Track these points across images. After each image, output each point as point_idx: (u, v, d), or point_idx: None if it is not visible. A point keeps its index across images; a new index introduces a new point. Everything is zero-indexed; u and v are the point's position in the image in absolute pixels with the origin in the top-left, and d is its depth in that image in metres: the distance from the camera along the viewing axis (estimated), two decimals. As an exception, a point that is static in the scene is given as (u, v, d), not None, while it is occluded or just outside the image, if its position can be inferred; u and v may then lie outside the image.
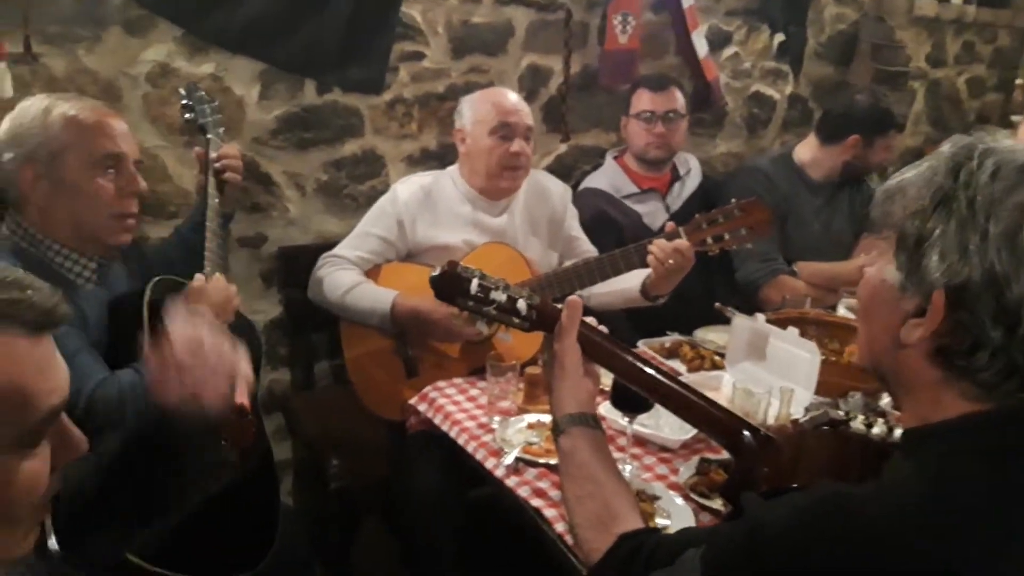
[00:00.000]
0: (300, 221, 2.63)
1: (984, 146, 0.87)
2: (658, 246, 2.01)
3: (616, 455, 1.30)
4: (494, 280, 1.29)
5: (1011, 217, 0.82)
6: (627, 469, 1.59)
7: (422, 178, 2.32)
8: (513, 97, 2.29)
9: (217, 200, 1.87)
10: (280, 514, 1.77)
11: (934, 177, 0.88)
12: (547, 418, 1.76)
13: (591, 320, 1.32)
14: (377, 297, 2.12)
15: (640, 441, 1.70)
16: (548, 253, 2.38)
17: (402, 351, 2.17)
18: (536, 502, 1.50)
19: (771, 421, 1.68)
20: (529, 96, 2.82)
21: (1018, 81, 4.19)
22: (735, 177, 2.89)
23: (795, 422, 1.66)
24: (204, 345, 1.07)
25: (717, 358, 2.10)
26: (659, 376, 1.28)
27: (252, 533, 1.72)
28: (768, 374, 1.87)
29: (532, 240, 2.34)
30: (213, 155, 1.90)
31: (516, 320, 1.29)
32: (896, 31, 3.63)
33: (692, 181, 2.83)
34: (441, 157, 2.76)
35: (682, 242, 2.00)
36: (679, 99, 2.69)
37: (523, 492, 1.54)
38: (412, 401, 1.98)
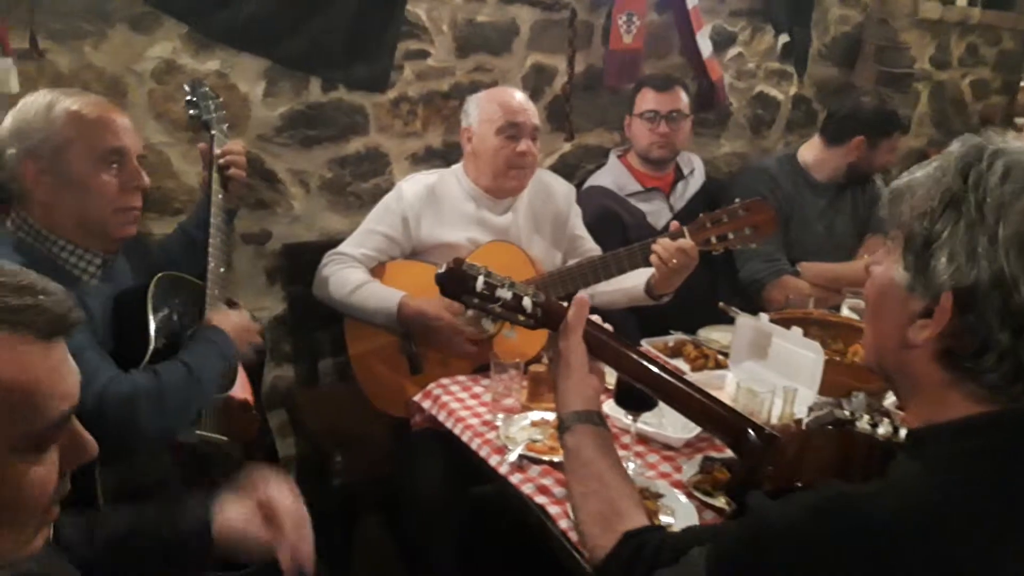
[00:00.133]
0: (304, 218, 2.64)
1: (994, 147, 0.87)
2: (662, 245, 2.01)
3: (620, 453, 1.30)
4: (500, 278, 1.29)
5: (1021, 220, 0.82)
6: (631, 467, 1.59)
7: (427, 176, 2.33)
8: (520, 96, 2.29)
9: (221, 196, 1.88)
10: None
11: (943, 178, 0.87)
12: (551, 416, 1.77)
13: (596, 318, 1.33)
14: (384, 297, 2.12)
15: (644, 439, 1.70)
16: (552, 252, 2.38)
17: (406, 348, 2.17)
18: (540, 499, 1.51)
19: (775, 420, 1.68)
20: (533, 95, 2.81)
21: (1022, 84, 4.18)
22: (739, 177, 2.90)
23: (799, 421, 1.66)
24: (306, 524, 1.20)
25: (721, 357, 2.11)
26: (664, 375, 1.28)
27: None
28: (771, 374, 1.88)
29: (536, 239, 2.34)
30: (217, 151, 1.90)
31: (521, 318, 1.29)
32: (900, 33, 3.63)
33: (696, 181, 2.83)
34: (445, 155, 2.77)
35: (686, 241, 2.00)
36: (683, 99, 2.69)
37: (527, 489, 1.54)
38: (416, 398, 1.99)
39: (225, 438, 1.68)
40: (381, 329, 2.18)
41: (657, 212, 2.71)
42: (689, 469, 1.59)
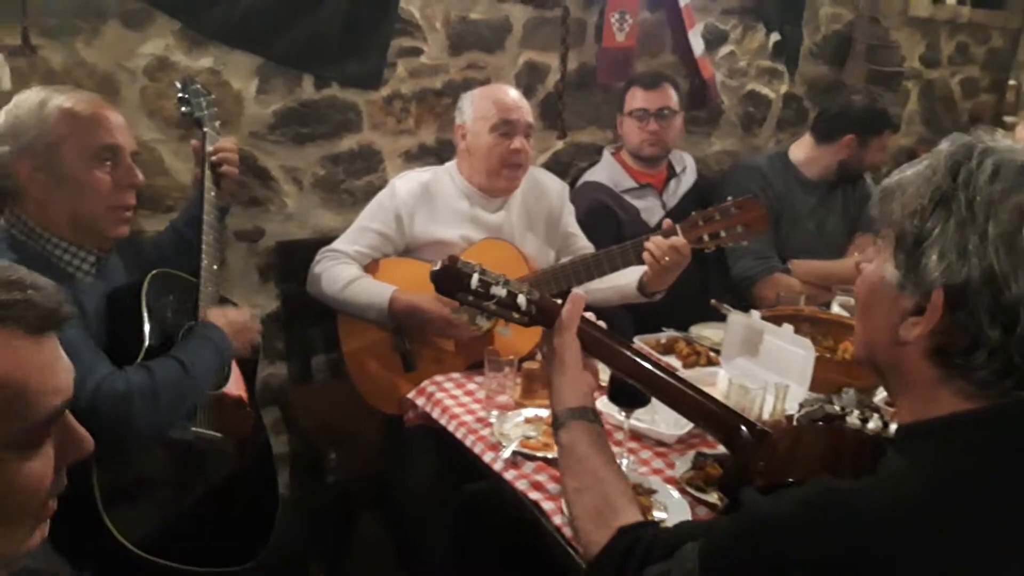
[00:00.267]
0: (297, 215, 2.64)
1: (983, 146, 0.88)
2: (655, 243, 2.02)
3: (613, 449, 1.31)
4: (494, 275, 1.29)
5: (1010, 218, 0.83)
6: (624, 463, 1.60)
7: (420, 174, 2.33)
8: (514, 94, 2.29)
9: (213, 193, 1.88)
10: (279, 506, 1.78)
11: (933, 176, 0.88)
12: (545, 412, 1.78)
13: (590, 315, 1.33)
14: (375, 292, 2.13)
15: (637, 436, 1.71)
16: (545, 249, 2.39)
17: (400, 345, 2.18)
18: (534, 495, 1.52)
19: (766, 417, 1.69)
20: (526, 93, 2.82)
21: (1011, 82, 4.21)
22: (731, 175, 2.91)
23: (790, 418, 1.68)
24: None
25: (712, 354, 2.12)
26: (657, 371, 1.29)
27: (251, 524, 1.73)
28: (763, 370, 1.89)
29: (529, 236, 2.35)
30: (209, 149, 1.90)
31: (516, 315, 1.30)
32: (891, 32, 3.65)
33: (688, 179, 2.85)
34: (438, 153, 2.77)
35: (679, 239, 2.02)
36: (672, 96, 2.70)
37: (521, 485, 1.55)
38: (410, 395, 2.00)
39: (220, 435, 1.68)
40: (374, 326, 2.18)
41: (650, 209, 2.73)
42: (682, 465, 1.60)
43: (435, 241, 2.23)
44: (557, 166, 3.01)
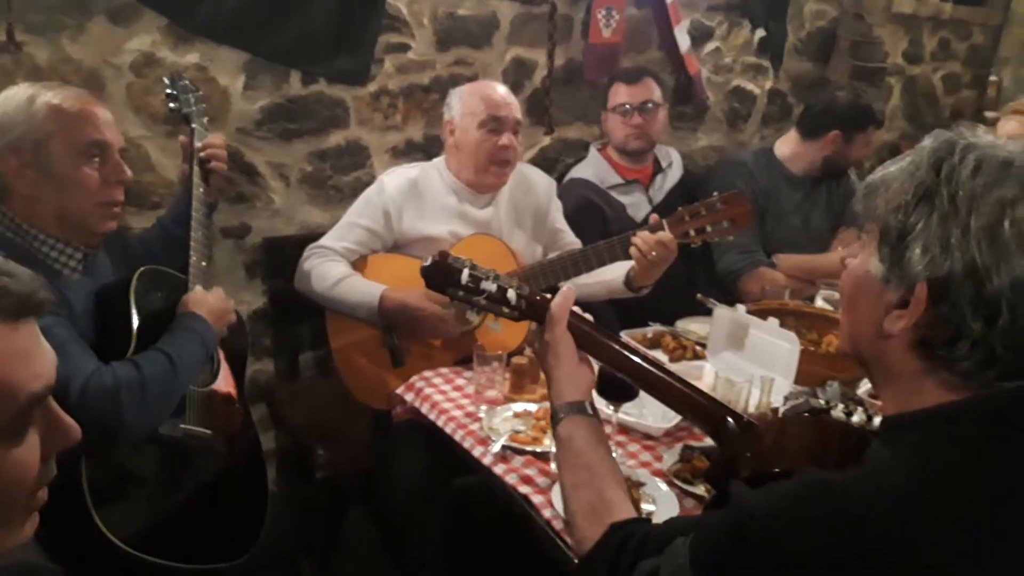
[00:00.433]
0: (284, 212, 2.63)
1: (965, 142, 0.89)
2: (641, 238, 2.04)
3: (604, 443, 1.32)
4: (485, 270, 1.30)
5: (992, 211, 0.84)
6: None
7: (408, 170, 2.33)
8: (502, 90, 2.30)
9: (202, 190, 1.87)
10: (269, 502, 1.78)
11: (916, 172, 0.89)
12: (533, 407, 1.79)
13: (576, 309, 1.34)
14: (365, 290, 2.13)
15: (625, 429, 1.73)
16: (532, 245, 2.40)
17: (388, 341, 2.18)
18: (524, 489, 1.53)
19: (752, 409, 1.71)
20: (513, 89, 2.81)
21: (992, 78, 4.26)
22: (716, 170, 2.92)
23: (775, 410, 1.70)
24: None
25: (698, 348, 2.14)
26: (646, 364, 1.30)
27: (240, 521, 1.73)
28: (748, 364, 1.91)
29: (517, 232, 2.36)
30: (198, 144, 1.90)
31: (506, 310, 1.31)
32: (874, 28, 3.68)
33: (674, 174, 2.86)
34: (426, 149, 2.77)
35: (665, 234, 2.03)
36: (655, 89, 2.72)
37: (511, 479, 1.56)
38: (399, 390, 2.00)
39: (209, 431, 1.68)
40: (363, 322, 2.18)
41: (637, 204, 2.74)
42: (669, 458, 1.62)
43: (423, 237, 2.24)
44: (544, 162, 3.02)
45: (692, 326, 2.29)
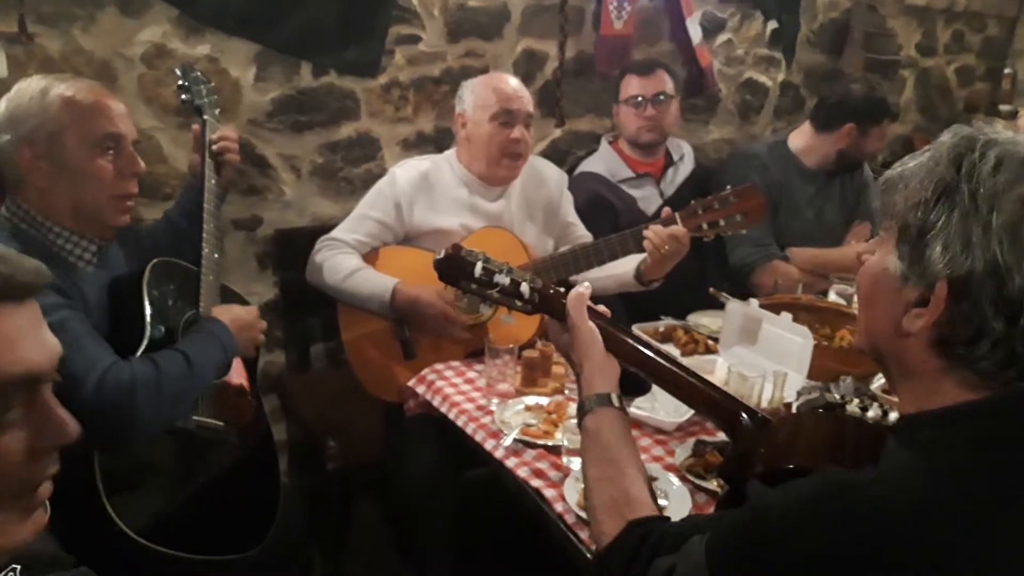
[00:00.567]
0: (295, 203, 2.64)
1: (986, 137, 0.88)
2: (654, 232, 2.03)
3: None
4: (498, 263, 1.30)
5: (1014, 209, 0.83)
6: (624, 451, 1.61)
7: (420, 162, 2.33)
8: (514, 83, 2.29)
9: (214, 182, 1.87)
10: (280, 494, 1.79)
11: (936, 168, 0.88)
12: (545, 400, 1.79)
13: (590, 303, 1.34)
14: (378, 283, 2.13)
15: (637, 423, 1.72)
16: (543, 238, 2.39)
17: (400, 334, 2.18)
18: (536, 482, 1.53)
19: (765, 404, 1.71)
20: (524, 81, 2.80)
21: (1006, 71, 4.22)
22: (729, 163, 2.91)
23: (788, 405, 1.69)
24: None
25: (710, 342, 2.13)
26: (659, 359, 1.30)
27: (253, 512, 1.73)
28: (761, 358, 1.90)
29: (528, 225, 2.36)
30: (212, 136, 1.90)
31: (519, 303, 1.31)
32: (887, 20, 3.66)
33: (686, 167, 2.85)
34: (436, 141, 2.77)
35: (678, 228, 2.02)
36: (667, 81, 2.70)
37: (523, 473, 1.56)
38: (411, 383, 2.00)
39: (222, 423, 1.69)
40: (374, 315, 2.19)
41: (648, 198, 2.73)
42: (682, 452, 1.61)
43: (435, 230, 2.23)
44: (555, 154, 3.01)
45: (704, 320, 2.29)
